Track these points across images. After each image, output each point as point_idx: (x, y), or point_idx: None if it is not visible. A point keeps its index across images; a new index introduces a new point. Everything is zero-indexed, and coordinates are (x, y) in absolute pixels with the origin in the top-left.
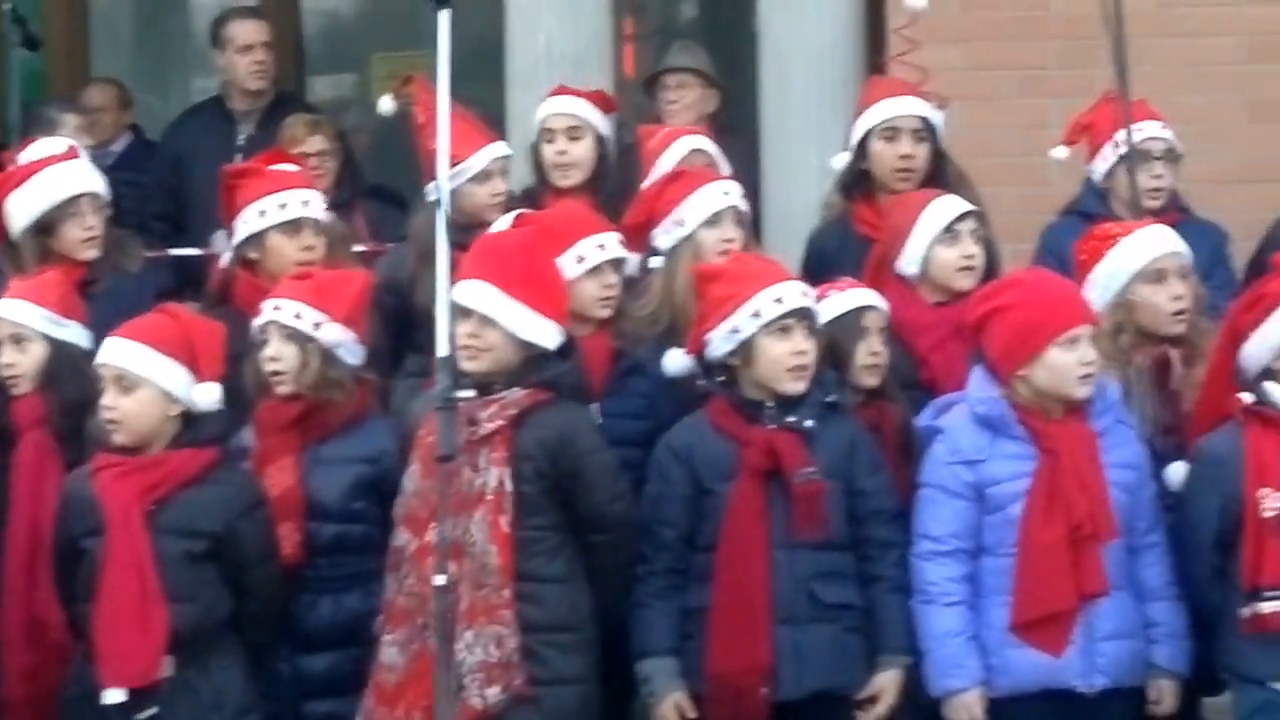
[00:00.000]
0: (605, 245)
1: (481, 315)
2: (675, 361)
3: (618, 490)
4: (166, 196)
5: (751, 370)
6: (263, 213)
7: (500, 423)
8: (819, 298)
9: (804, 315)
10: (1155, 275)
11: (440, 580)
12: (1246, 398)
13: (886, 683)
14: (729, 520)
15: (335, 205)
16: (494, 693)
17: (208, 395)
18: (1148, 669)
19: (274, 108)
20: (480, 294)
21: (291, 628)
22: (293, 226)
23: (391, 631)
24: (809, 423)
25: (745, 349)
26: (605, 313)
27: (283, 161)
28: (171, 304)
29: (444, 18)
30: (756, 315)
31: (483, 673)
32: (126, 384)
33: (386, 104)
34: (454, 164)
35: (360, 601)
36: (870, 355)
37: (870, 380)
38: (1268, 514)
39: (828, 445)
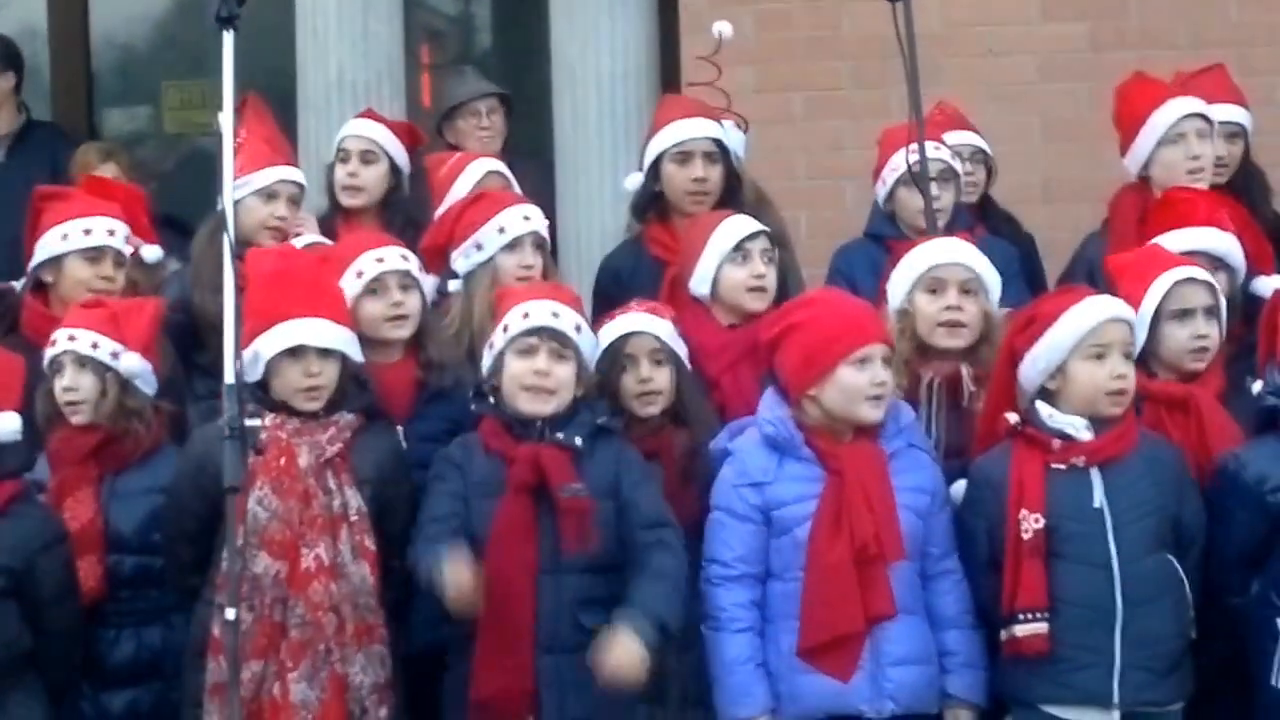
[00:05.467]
0: (384, 259)
1: (319, 350)
2: None
3: (413, 515)
4: None
5: (501, 388)
6: (65, 236)
7: (340, 445)
8: (609, 319)
9: (552, 335)
10: (932, 284)
11: (230, 614)
12: (1012, 418)
13: (618, 639)
14: (494, 538)
15: None
16: (385, 713)
17: (7, 426)
18: (941, 697)
19: (24, 134)
20: (320, 331)
21: (93, 663)
22: (96, 253)
23: (292, 668)
24: (578, 440)
25: (496, 365)
26: (397, 332)
27: (96, 189)
28: None
29: (228, 38)
30: (505, 330)
31: (376, 694)
32: None
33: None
34: (241, 175)
35: (161, 636)
36: (640, 384)
37: (648, 409)
38: (1026, 536)
39: (597, 465)
